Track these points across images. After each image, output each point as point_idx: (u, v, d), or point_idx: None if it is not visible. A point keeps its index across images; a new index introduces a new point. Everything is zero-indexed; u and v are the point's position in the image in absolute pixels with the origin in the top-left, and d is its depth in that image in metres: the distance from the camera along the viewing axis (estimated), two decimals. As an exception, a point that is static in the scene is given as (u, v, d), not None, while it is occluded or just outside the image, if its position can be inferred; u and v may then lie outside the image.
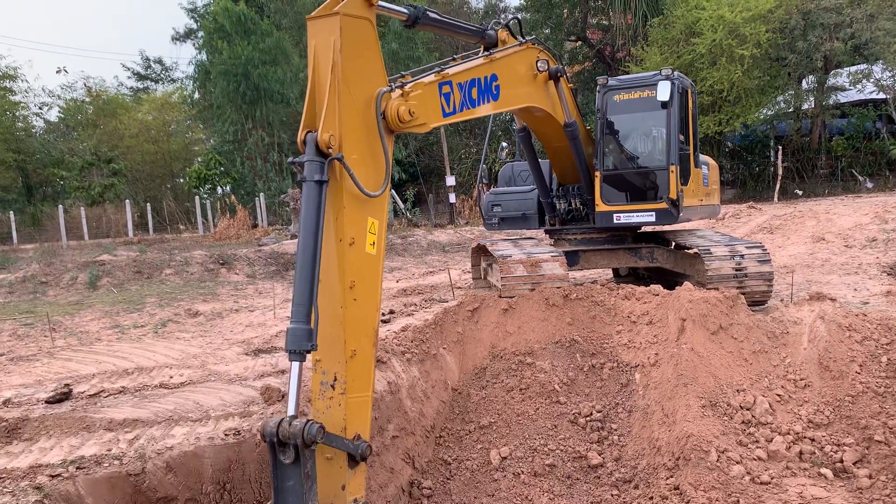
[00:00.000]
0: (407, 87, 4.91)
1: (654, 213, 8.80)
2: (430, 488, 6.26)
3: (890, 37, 24.51)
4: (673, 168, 8.65)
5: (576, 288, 7.95)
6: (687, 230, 9.91)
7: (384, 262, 4.62)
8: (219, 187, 38.80)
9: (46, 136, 51.03)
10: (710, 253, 8.25)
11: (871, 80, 27.37)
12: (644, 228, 9.66)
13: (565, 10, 35.51)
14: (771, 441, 5.81)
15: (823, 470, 5.60)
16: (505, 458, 6.50)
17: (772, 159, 29.68)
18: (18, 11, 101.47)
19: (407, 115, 4.70)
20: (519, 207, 10.16)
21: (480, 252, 10.42)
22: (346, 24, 4.25)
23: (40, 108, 51.65)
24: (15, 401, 6.10)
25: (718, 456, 5.52)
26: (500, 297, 8.00)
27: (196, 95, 43.02)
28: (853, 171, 28.56)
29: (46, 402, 6.01)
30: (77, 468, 4.45)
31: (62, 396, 6.10)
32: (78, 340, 9.44)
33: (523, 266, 8.12)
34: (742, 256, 8.21)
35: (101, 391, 6.38)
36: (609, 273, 11.87)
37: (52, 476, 4.31)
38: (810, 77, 29.08)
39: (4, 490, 4.12)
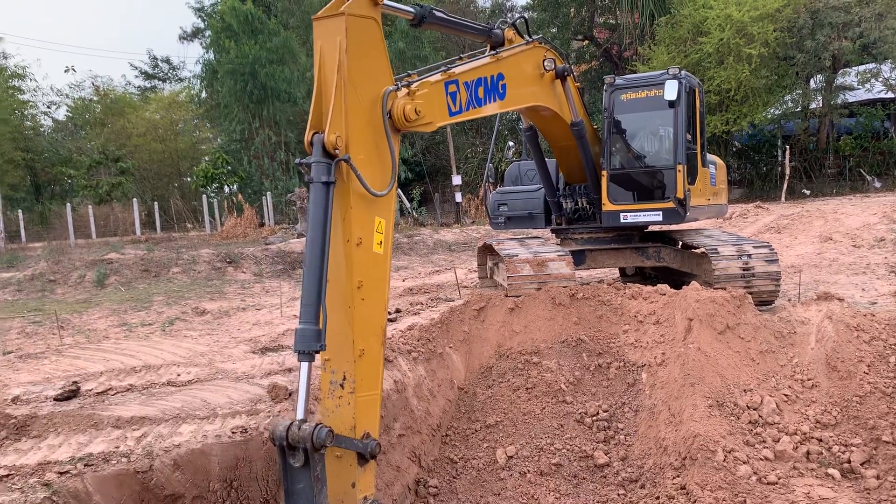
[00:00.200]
0: (413, 86, 4.91)
1: (661, 213, 8.79)
2: (437, 487, 6.27)
3: (899, 36, 24.41)
4: (680, 167, 8.63)
5: (582, 287, 7.94)
6: (694, 229, 9.89)
7: (391, 262, 4.63)
8: (226, 186, 38.91)
9: (55, 134, 51.28)
10: (718, 252, 8.23)
11: (880, 79, 27.25)
12: (651, 228, 9.64)
13: (572, 9, 35.44)
14: (778, 441, 5.80)
15: (831, 470, 5.59)
16: (511, 457, 6.50)
17: (779, 159, 29.59)
18: (27, 10, 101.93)
19: (413, 114, 4.70)
20: (525, 206, 10.15)
21: (486, 251, 10.42)
22: (351, 25, 4.25)
23: (48, 107, 51.92)
24: (24, 398, 6.13)
25: (725, 456, 5.51)
26: (507, 296, 8.00)
27: (203, 94, 43.13)
28: (861, 170, 28.43)
29: (55, 399, 6.03)
30: (85, 465, 4.47)
31: (70, 394, 6.13)
32: (86, 338, 9.48)
33: (530, 265, 8.12)
34: (749, 256, 8.19)
35: (109, 389, 6.40)
36: (615, 272, 11.86)
37: (61, 473, 4.33)
38: (818, 76, 28.95)
39: (13, 487, 4.15)
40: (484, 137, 37.51)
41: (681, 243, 9.51)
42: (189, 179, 46.18)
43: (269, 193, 34.81)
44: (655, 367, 6.86)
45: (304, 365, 3.90)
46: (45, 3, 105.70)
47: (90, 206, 36.32)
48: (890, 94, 27.48)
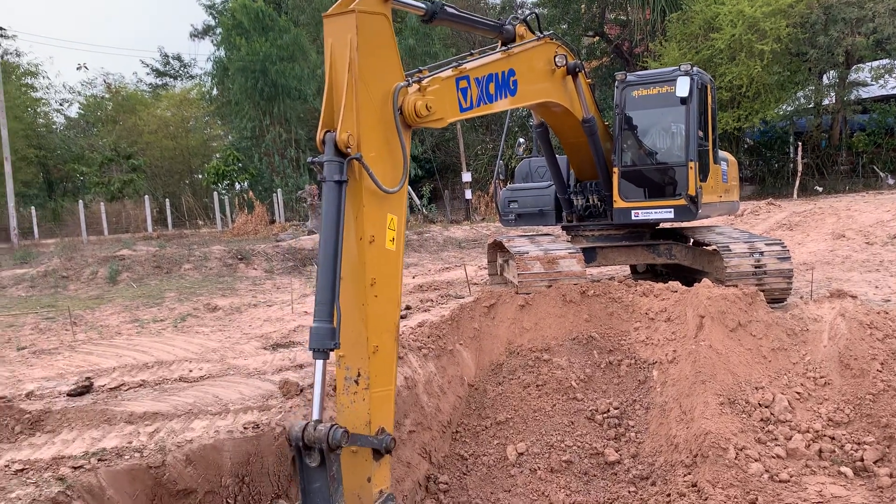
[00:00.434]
0: (424, 82, 4.90)
1: (672, 210, 8.75)
2: (447, 483, 6.27)
3: (913, 31, 24.20)
4: (692, 164, 8.59)
5: (593, 284, 7.92)
6: (705, 227, 9.85)
7: (402, 258, 4.65)
8: (237, 183, 39.03)
9: (67, 132, 51.62)
10: (730, 250, 8.19)
11: (894, 75, 27.02)
12: (662, 225, 9.60)
13: (583, 6, 35.30)
14: (790, 439, 5.77)
15: (843, 468, 5.55)
16: (521, 453, 6.49)
17: (791, 155, 29.40)
18: (40, 8, 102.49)
19: (424, 110, 4.70)
20: (536, 203, 10.13)
21: (497, 248, 10.41)
22: (362, 22, 4.25)
23: (61, 105, 52.43)
24: (37, 393, 6.18)
25: (737, 453, 5.49)
26: (517, 293, 7.99)
27: (214, 92, 43.29)
28: (874, 167, 28.22)
29: (68, 394, 6.08)
30: (99, 460, 4.50)
31: (83, 389, 6.18)
32: (98, 334, 9.54)
33: (540, 263, 8.10)
34: (761, 253, 8.14)
35: (122, 384, 6.45)
36: (626, 269, 11.82)
37: (75, 468, 4.36)
38: (831, 72, 28.73)
39: (28, 481, 4.18)
40: (494, 134, 37.45)
41: (692, 240, 9.47)
42: (200, 176, 46.37)
43: (279, 190, 34.91)
44: (667, 364, 6.83)
45: (319, 363, 3.93)
46: (58, 2, 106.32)
47: (102, 203, 36.54)
48: (904, 91, 27.27)
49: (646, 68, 25.96)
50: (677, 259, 9.51)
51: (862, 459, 5.61)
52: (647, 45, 31.83)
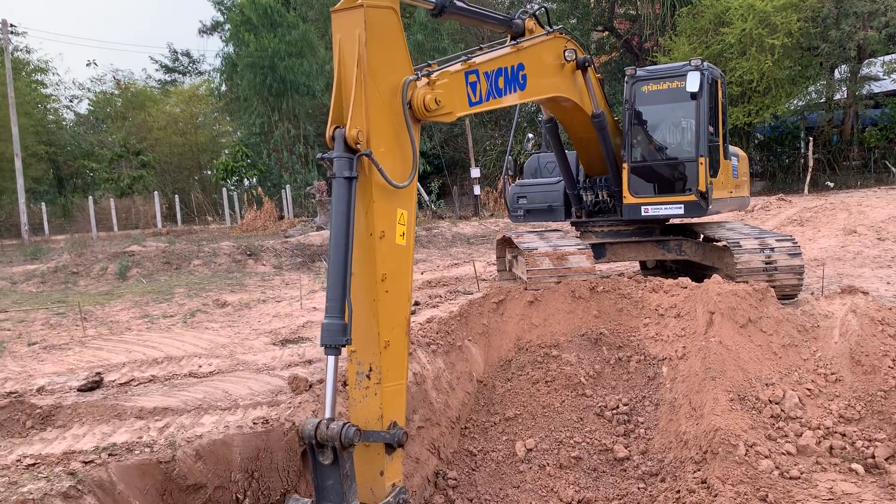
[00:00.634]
0: (433, 76, 4.89)
1: (682, 206, 8.71)
2: (456, 479, 6.28)
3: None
4: (702, 160, 8.55)
5: (602, 280, 7.90)
6: (716, 222, 9.80)
7: (410, 254, 4.65)
8: (245, 179, 39.18)
9: (77, 128, 51.88)
10: (740, 246, 8.15)
11: (907, 69, 26.82)
12: (672, 221, 9.56)
13: (592, 0, 35.18)
14: (801, 436, 5.74)
15: (854, 465, 5.52)
16: (530, 449, 6.49)
17: (802, 151, 29.24)
18: (49, 5, 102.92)
19: (433, 104, 4.68)
20: (545, 199, 10.10)
21: (506, 244, 10.39)
22: (370, 17, 4.23)
23: (70, 101, 52.64)
24: (48, 388, 6.21)
25: (747, 450, 5.47)
26: (526, 289, 7.98)
27: (223, 88, 43.41)
28: (886, 162, 28.01)
29: (79, 390, 6.10)
30: (109, 455, 4.52)
31: (94, 384, 6.20)
32: (108, 330, 9.59)
33: (549, 259, 8.08)
34: (772, 249, 8.10)
35: (132, 380, 6.47)
36: (636, 265, 11.78)
37: (86, 462, 4.38)
38: (843, 66, 28.53)
39: (40, 475, 4.20)
40: (503, 130, 37.38)
41: (702, 236, 9.43)
42: (209, 172, 46.53)
43: (288, 186, 34.98)
44: (676, 360, 6.81)
45: (331, 359, 3.94)
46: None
47: (112, 199, 36.74)
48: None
49: (655, 63, 25.86)
50: (687, 255, 9.47)
51: (873, 456, 5.57)
52: (656, 39, 31.68)
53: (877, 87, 28.75)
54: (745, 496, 5.15)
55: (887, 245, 12.65)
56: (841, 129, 29.62)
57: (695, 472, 5.59)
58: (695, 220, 9.49)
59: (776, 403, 6.01)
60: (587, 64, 7.79)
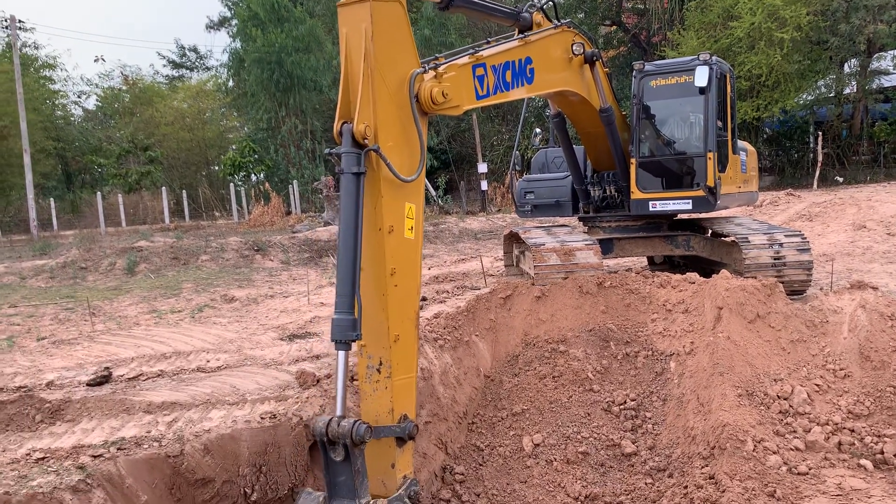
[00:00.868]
0: (440, 69, 4.87)
1: (690, 201, 8.67)
2: (463, 474, 6.28)
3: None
4: (710, 155, 8.51)
5: (610, 275, 7.88)
6: (724, 217, 9.75)
7: (419, 248, 4.65)
8: (253, 175, 39.24)
9: (85, 124, 52.09)
10: (748, 241, 8.12)
11: (917, 63, 26.64)
12: (680, 216, 9.53)
13: (600, -6, 35.09)
14: (809, 431, 5.71)
15: (863, 461, 5.49)
16: (537, 445, 6.48)
17: (811, 145, 29.10)
18: (57, 1, 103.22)
19: (440, 97, 4.67)
20: (552, 194, 10.08)
21: (513, 239, 10.38)
22: (376, 10, 4.22)
23: (79, 97, 52.88)
24: (57, 383, 6.24)
25: (755, 446, 5.45)
26: (533, 285, 7.96)
27: (230, 83, 43.48)
28: (896, 157, 27.88)
29: (87, 384, 6.13)
30: (118, 449, 4.53)
31: (102, 379, 6.23)
32: (117, 325, 9.63)
33: (557, 254, 8.07)
34: (781, 245, 8.06)
35: (140, 374, 6.50)
36: (644, 261, 11.76)
37: (94, 456, 4.40)
38: (852, 60, 28.36)
39: (49, 469, 4.23)
40: (510, 125, 37.33)
41: (710, 231, 9.39)
42: (217, 168, 46.66)
43: (295, 182, 35.03)
44: (684, 356, 6.79)
45: (341, 354, 3.96)
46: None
47: (120, 195, 36.88)
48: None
49: (664, 58, 25.74)
50: (695, 250, 9.44)
51: (882, 452, 5.54)
52: (664, 34, 31.55)
53: (887, 81, 28.57)
54: (753, 492, 5.13)
55: (897, 240, 12.58)
56: (850, 123, 29.44)
57: (702, 467, 5.57)
58: (703, 215, 9.46)
59: (784, 399, 5.98)
60: (595, 58, 7.76)
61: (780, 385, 6.09)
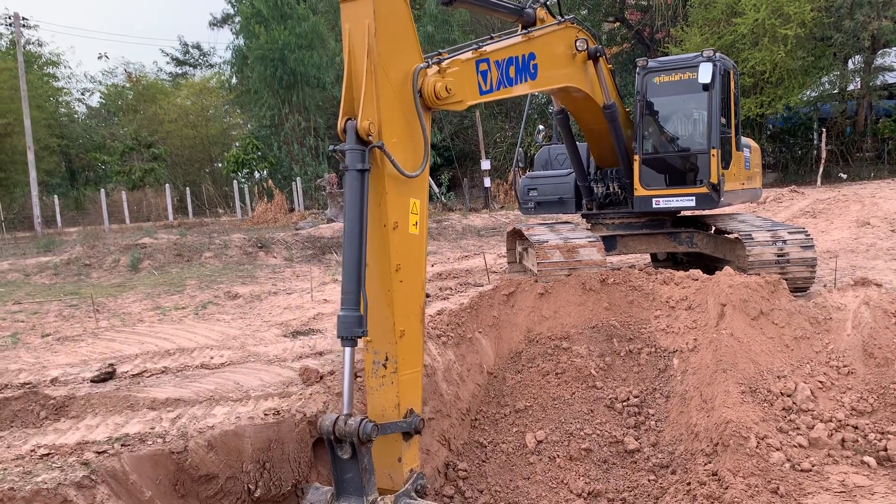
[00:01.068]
0: (443, 64, 4.88)
1: (694, 198, 8.66)
2: (466, 470, 6.29)
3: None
4: (714, 151, 8.49)
5: (613, 272, 7.87)
6: (727, 214, 9.74)
7: (423, 244, 4.66)
8: (256, 172, 39.26)
9: (88, 121, 52.15)
10: (752, 238, 8.10)
11: (921, 59, 26.55)
12: (683, 213, 9.51)
13: (603, -9, 34.99)
14: (812, 428, 5.71)
15: (866, 458, 5.49)
16: (541, 441, 6.49)
17: (815, 142, 29.02)
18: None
19: (444, 92, 4.68)
20: (556, 191, 10.07)
21: (516, 236, 10.37)
22: (379, 6, 4.22)
23: (82, 94, 52.88)
24: (62, 379, 6.26)
25: (758, 442, 5.45)
26: (536, 282, 7.96)
27: (233, 80, 43.48)
28: (900, 153, 27.80)
29: (92, 381, 6.15)
30: (122, 445, 4.55)
31: (106, 376, 6.24)
32: (121, 321, 9.64)
33: (560, 251, 8.06)
34: (784, 242, 8.05)
35: (144, 371, 6.51)
36: (647, 258, 11.74)
37: (99, 452, 4.42)
38: (857, 57, 28.26)
39: (53, 465, 4.24)
40: (513, 122, 37.27)
41: (714, 228, 9.38)
42: (220, 165, 46.73)
43: (298, 179, 35.04)
44: (687, 352, 6.79)
45: (348, 351, 3.98)
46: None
47: (123, 192, 36.93)
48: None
49: (667, 54, 25.69)
50: (698, 247, 9.42)
51: (885, 449, 5.54)
52: (668, 30, 31.46)
53: (891, 78, 28.49)
54: (756, 488, 5.14)
55: (901, 237, 12.55)
56: (854, 120, 29.36)
57: (706, 464, 5.58)
58: (706, 212, 9.44)
59: (788, 396, 5.98)
60: (599, 54, 7.74)
61: (784, 382, 6.09)
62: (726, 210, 10.12)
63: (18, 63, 32.38)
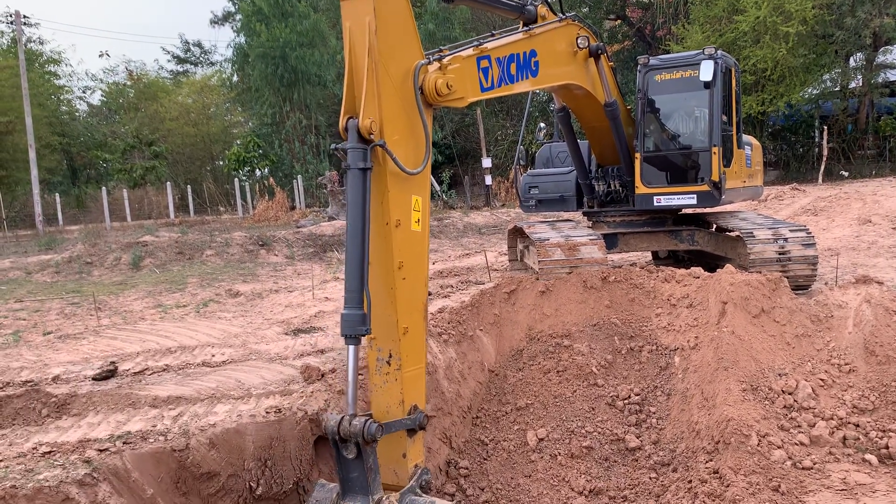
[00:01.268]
0: (444, 61, 4.87)
1: (695, 196, 8.65)
2: (467, 468, 6.29)
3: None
4: (715, 149, 8.48)
5: (614, 270, 7.87)
6: (729, 212, 9.73)
7: (425, 241, 4.67)
8: (257, 170, 39.27)
9: (89, 119, 52.17)
10: (753, 236, 8.10)
11: (923, 57, 26.51)
12: (684, 211, 9.51)
13: (604, -12, 34.93)
14: (813, 426, 5.71)
15: (868, 456, 5.49)
16: (542, 439, 6.49)
17: (816, 140, 28.98)
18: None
19: (444, 89, 4.67)
20: (557, 189, 10.06)
21: (517, 234, 10.36)
22: (379, 4, 4.21)
23: (83, 92, 52.95)
24: (64, 377, 6.27)
25: (759, 440, 5.44)
26: (538, 279, 7.96)
27: (234, 78, 43.47)
28: (902, 151, 27.76)
29: (93, 378, 6.16)
30: (124, 443, 4.56)
31: (108, 374, 6.25)
32: (122, 319, 9.65)
33: (561, 249, 8.06)
34: (786, 240, 8.04)
35: (146, 369, 6.52)
36: (648, 256, 11.74)
37: (101, 450, 4.42)
38: (858, 54, 28.21)
39: (55, 463, 4.25)
40: (514, 119, 37.24)
41: (715, 226, 9.37)
42: (221, 163, 46.72)
43: (299, 177, 35.05)
44: (688, 350, 6.78)
45: (352, 349, 3.99)
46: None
47: (125, 190, 36.94)
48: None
49: (668, 52, 25.67)
50: (700, 245, 9.42)
51: (887, 447, 5.54)
52: (669, 28, 31.42)
53: (892, 76, 28.45)
54: (758, 486, 5.14)
55: (902, 235, 12.54)
56: (856, 117, 29.32)
57: (707, 462, 5.58)
58: (707, 209, 9.43)
59: (789, 394, 5.98)
60: (600, 52, 7.73)
61: (785, 380, 6.09)
62: (727, 208, 10.11)
63: (20, 61, 32.40)
